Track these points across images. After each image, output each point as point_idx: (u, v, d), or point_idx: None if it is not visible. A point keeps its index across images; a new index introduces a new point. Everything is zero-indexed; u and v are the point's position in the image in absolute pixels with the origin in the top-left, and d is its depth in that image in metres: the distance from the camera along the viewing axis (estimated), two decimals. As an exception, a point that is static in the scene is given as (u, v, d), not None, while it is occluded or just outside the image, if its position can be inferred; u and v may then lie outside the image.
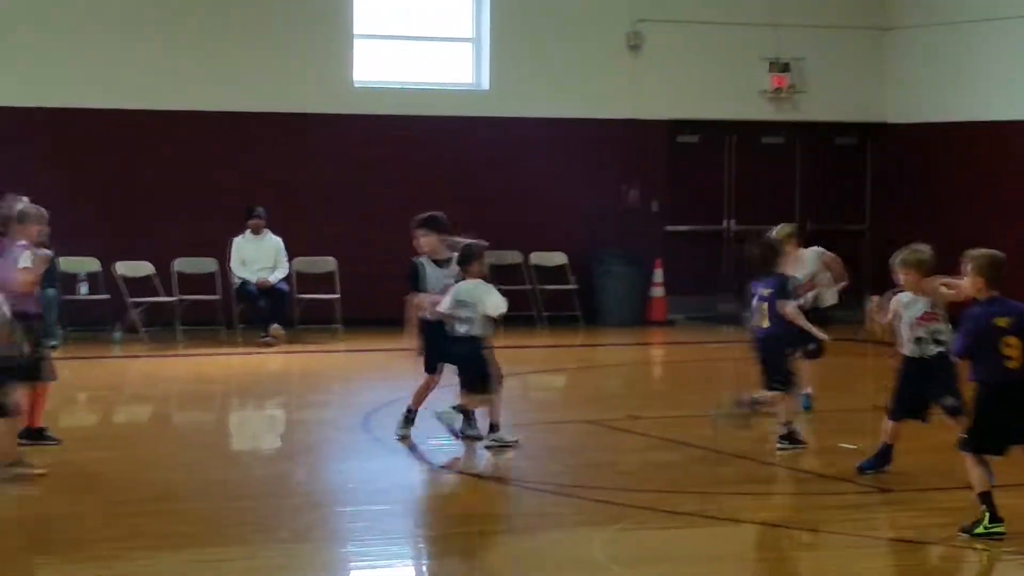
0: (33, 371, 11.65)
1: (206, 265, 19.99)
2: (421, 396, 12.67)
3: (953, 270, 11.81)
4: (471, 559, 9.45)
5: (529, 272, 21.60)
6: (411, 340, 12.57)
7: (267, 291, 19.64)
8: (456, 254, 12.53)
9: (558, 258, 21.77)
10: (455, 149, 21.17)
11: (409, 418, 12.67)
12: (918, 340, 10.65)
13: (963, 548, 9.38)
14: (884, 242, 19.21)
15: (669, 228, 22.10)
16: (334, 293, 20.36)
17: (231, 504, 10.51)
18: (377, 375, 17.17)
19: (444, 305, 12.28)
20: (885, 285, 11.17)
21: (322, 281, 20.50)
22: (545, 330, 21.08)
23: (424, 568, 9.17)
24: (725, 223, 22.89)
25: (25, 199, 12.47)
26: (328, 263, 20.56)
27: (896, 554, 9.58)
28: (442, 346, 12.42)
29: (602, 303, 21.40)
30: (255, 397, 16.15)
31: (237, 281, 19.82)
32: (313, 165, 20.70)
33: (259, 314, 19.54)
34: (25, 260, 11.78)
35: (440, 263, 12.65)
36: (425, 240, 12.71)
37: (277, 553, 9.22)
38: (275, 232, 19.93)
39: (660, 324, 21.49)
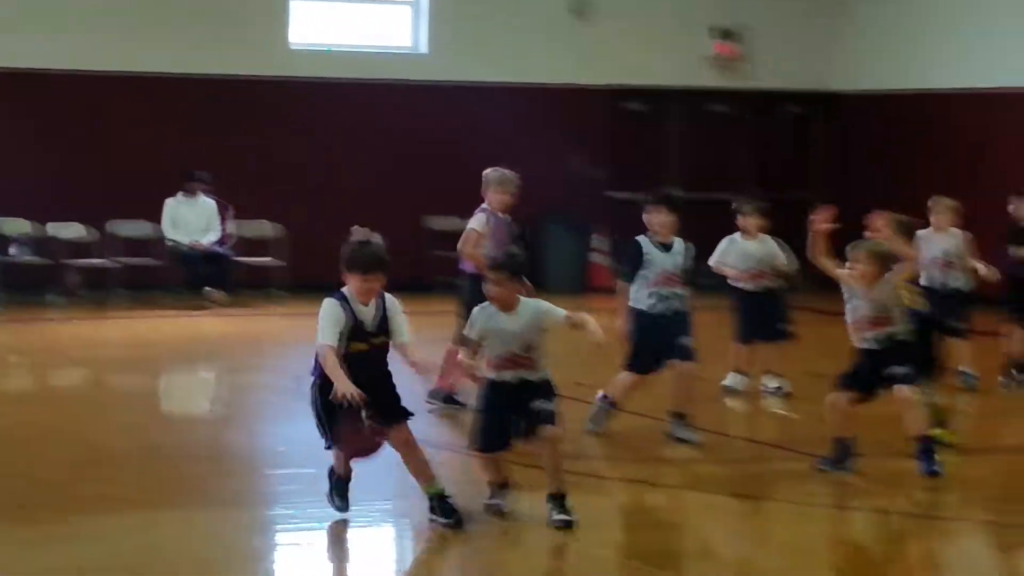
0: None
1: (141, 228, 19.80)
2: (624, 391, 11.46)
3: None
4: (402, 521, 9.37)
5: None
6: (621, 327, 11.25)
7: (207, 255, 19.49)
8: (680, 241, 11.18)
9: (501, 224, 21.60)
10: (393, 114, 20.93)
11: (608, 411, 11.43)
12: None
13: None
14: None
15: (612, 194, 21.93)
16: (275, 258, 20.17)
17: (166, 467, 10.40)
18: (315, 340, 16.89)
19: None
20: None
21: (263, 246, 20.30)
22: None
23: (354, 529, 9.05)
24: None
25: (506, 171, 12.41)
26: (268, 227, 20.36)
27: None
28: (658, 343, 11.10)
29: (546, 269, 21.26)
30: (191, 361, 15.98)
31: (170, 243, 19.67)
32: (251, 129, 20.44)
33: (198, 278, 19.37)
34: (474, 222, 12.06)
35: (666, 247, 11.21)
36: (661, 219, 11.21)
37: (212, 516, 9.15)
38: (216, 196, 19.75)
39: (603, 290, 21.36)
